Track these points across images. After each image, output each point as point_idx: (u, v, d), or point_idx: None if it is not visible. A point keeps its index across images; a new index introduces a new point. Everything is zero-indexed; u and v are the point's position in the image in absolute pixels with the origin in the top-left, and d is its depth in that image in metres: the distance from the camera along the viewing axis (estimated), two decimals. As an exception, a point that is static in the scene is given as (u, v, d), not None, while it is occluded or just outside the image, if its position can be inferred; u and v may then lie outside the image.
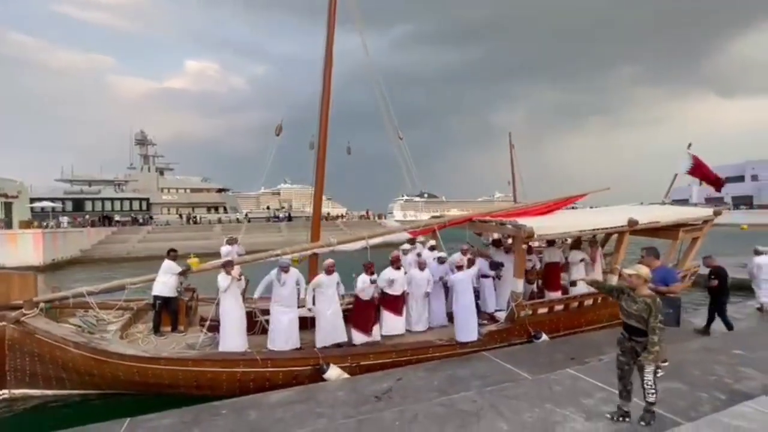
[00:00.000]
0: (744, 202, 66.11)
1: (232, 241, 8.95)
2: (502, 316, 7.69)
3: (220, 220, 47.50)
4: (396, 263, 7.26)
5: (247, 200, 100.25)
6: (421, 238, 9.10)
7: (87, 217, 42.28)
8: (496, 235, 9.32)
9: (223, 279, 6.31)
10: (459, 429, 4.23)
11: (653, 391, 3.96)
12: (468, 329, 6.81)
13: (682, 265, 9.37)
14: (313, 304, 6.66)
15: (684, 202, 26.00)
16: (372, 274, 6.83)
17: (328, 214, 60.69)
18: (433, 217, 10.50)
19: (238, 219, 50.12)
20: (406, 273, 7.41)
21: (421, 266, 7.54)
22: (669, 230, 9.01)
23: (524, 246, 7.45)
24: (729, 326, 7.55)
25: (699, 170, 11.32)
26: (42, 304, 6.22)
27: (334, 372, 6.01)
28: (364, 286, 6.76)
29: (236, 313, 6.39)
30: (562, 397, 4.83)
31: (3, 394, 6.01)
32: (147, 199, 54.69)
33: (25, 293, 6.09)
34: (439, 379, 5.82)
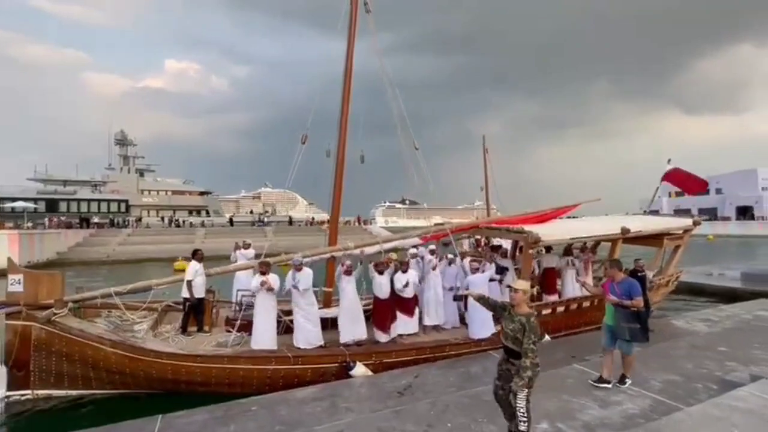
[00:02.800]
0: (709, 214, 69.87)
1: (245, 245, 9.11)
2: None
3: (203, 224, 46.66)
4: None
5: (227, 204, 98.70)
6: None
7: (63, 218, 40.75)
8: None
9: (255, 279, 6.57)
10: (489, 416, 4.62)
11: (525, 419, 3.51)
12: (484, 327, 7.21)
13: (666, 271, 10.18)
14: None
15: (655, 212, 27.77)
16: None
17: (313, 219, 60.53)
18: (438, 224, 10.95)
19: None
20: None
21: (433, 267, 8.16)
22: (654, 238, 9.84)
23: (531, 251, 7.94)
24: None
25: (678, 177, 12.31)
26: (70, 304, 6.27)
27: (360, 369, 6.32)
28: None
29: (269, 313, 6.61)
30: (575, 388, 5.31)
31: (26, 394, 6.00)
32: (126, 201, 53.15)
33: (53, 293, 6.10)
34: (454, 376, 6.19)
